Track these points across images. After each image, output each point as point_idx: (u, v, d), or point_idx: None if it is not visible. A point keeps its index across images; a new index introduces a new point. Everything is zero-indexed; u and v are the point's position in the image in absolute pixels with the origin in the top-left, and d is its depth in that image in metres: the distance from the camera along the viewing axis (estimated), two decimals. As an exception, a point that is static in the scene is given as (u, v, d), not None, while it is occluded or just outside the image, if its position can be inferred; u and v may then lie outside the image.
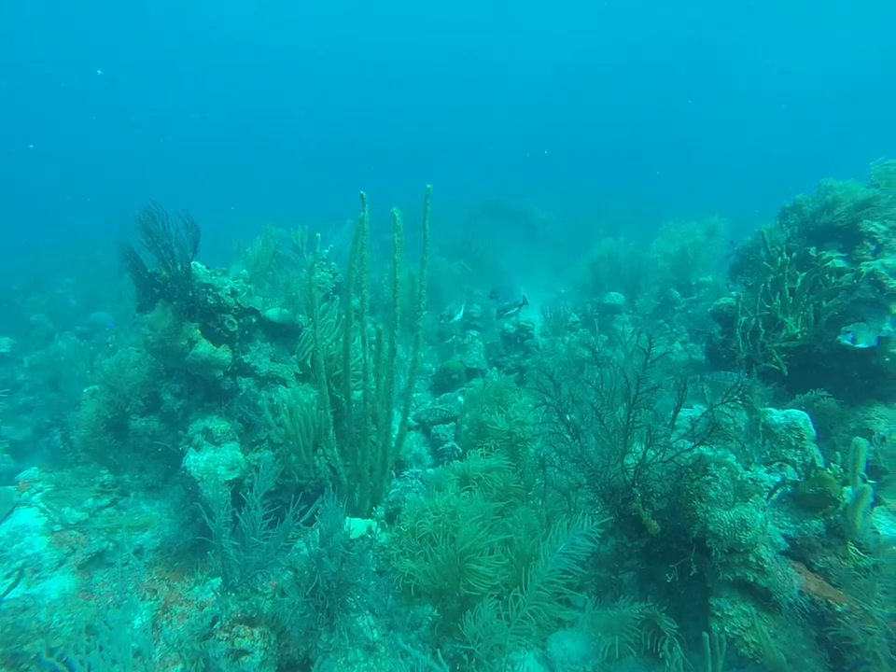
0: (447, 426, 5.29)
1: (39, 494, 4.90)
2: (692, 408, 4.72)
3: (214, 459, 4.22)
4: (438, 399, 5.94)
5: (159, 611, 3.96)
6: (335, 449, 3.83)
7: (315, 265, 7.00)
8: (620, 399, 2.92)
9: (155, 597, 4.10)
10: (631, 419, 2.78)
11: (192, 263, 4.62)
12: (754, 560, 2.57)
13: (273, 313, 5.31)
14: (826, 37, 41.11)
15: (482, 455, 3.85)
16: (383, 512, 4.27)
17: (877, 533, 2.57)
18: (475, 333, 7.20)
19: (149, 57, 45.86)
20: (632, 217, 16.56)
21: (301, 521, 3.49)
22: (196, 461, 4.16)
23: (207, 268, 4.64)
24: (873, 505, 2.77)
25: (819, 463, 3.07)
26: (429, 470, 4.93)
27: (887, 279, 3.36)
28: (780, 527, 2.76)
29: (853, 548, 2.54)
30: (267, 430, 4.51)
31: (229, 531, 3.46)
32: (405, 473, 4.51)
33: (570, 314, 8.04)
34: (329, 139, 52.03)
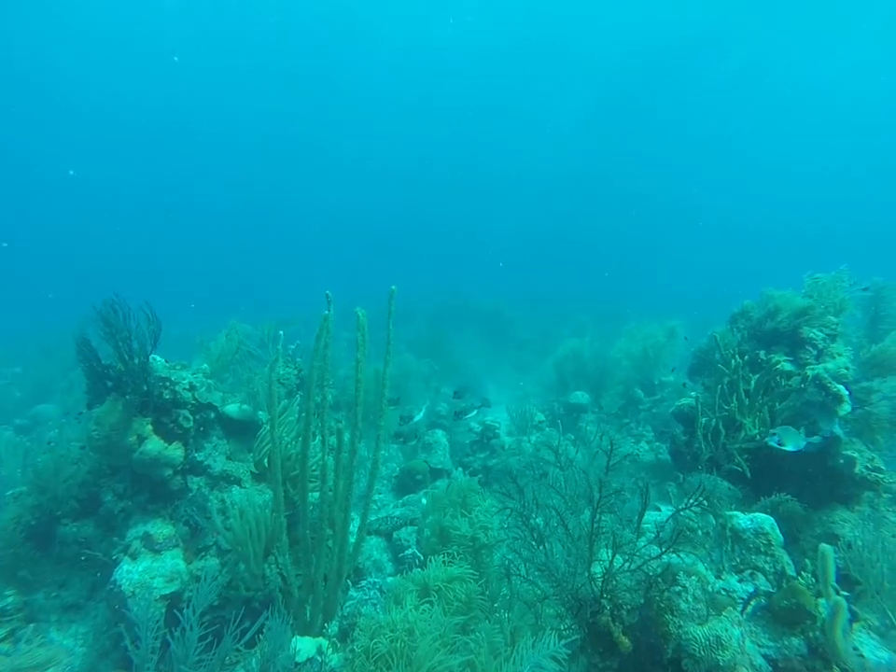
0: (409, 530, 5.00)
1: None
2: (660, 510, 4.63)
3: (151, 570, 3.82)
4: (400, 500, 5.67)
5: None
6: (287, 556, 3.53)
7: (280, 361, 6.95)
8: (584, 503, 2.83)
9: None
10: (595, 525, 2.69)
11: (151, 357, 4.52)
12: (734, 684, 2.38)
13: (232, 408, 5.14)
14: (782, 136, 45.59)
15: (444, 562, 3.61)
16: (336, 628, 3.89)
17: (862, 657, 2.43)
18: (440, 433, 7.07)
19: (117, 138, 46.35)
20: (597, 317, 17.33)
21: (244, 641, 3.13)
22: (129, 572, 3.76)
23: (166, 361, 4.53)
24: (851, 621, 2.65)
25: (790, 571, 2.99)
26: (389, 579, 4.58)
27: (830, 383, 3.52)
28: (759, 645, 2.60)
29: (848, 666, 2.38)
30: (215, 535, 4.17)
31: (155, 660, 3.06)
32: (363, 583, 4.17)
33: (536, 413, 8.04)
34: (303, 234, 53.69)
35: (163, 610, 3.73)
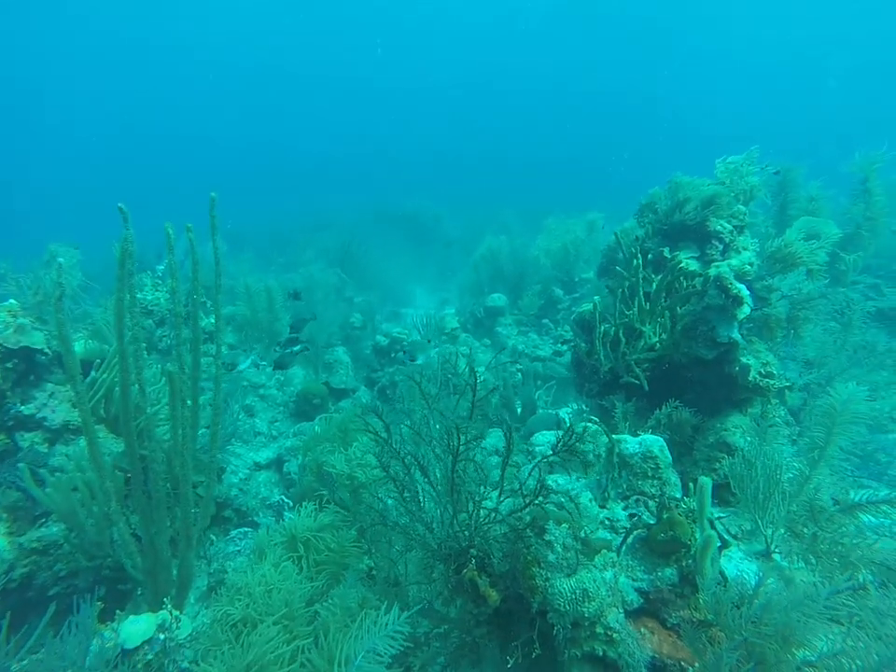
0: (299, 462, 4.60)
1: None
2: (559, 429, 4.38)
3: (-42, 554, 3.22)
4: (294, 428, 5.22)
5: None
6: (122, 524, 3.01)
7: (148, 284, 5.98)
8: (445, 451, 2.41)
9: None
10: (456, 475, 2.29)
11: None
12: (602, 631, 2.17)
13: (76, 347, 4.31)
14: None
15: (314, 508, 3.23)
16: (206, 583, 3.54)
17: (723, 577, 2.26)
18: (341, 350, 6.52)
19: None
20: (523, 214, 16.60)
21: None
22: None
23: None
24: (722, 547, 2.50)
25: (677, 492, 2.78)
26: (266, 519, 4.23)
27: (731, 284, 3.17)
28: (634, 580, 2.40)
29: (704, 598, 2.23)
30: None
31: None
32: (234, 533, 3.77)
33: (449, 319, 7.60)
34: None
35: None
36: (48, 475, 3.06)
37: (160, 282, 6.01)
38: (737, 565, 2.50)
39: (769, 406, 3.29)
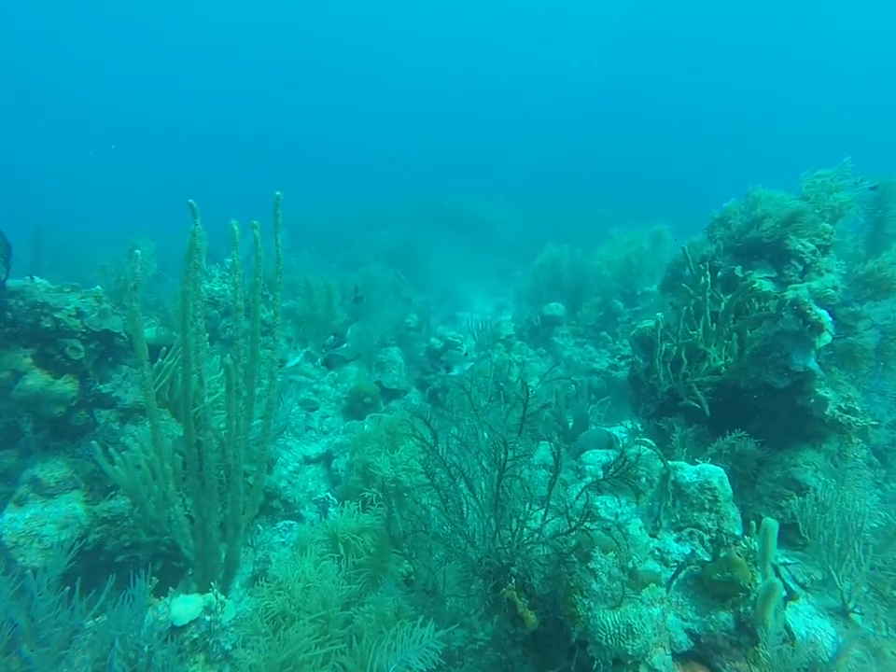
0: (346, 460, 4.68)
1: None
2: (610, 449, 4.22)
3: (40, 517, 3.48)
4: (344, 425, 5.31)
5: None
6: (177, 505, 3.16)
7: (217, 276, 6.28)
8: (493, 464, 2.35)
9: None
10: (501, 490, 2.23)
11: (31, 279, 3.90)
12: None
13: (147, 333, 4.60)
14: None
15: (357, 509, 3.26)
16: (251, 570, 3.66)
17: (789, 633, 2.07)
18: (395, 350, 6.58)
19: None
20: (587, 222, 16.17)
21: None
22: (13, 521, 3.41)
23: (50, 283, 3.91)
24: (787, 598, 2.29)
25: (736, 529, 2.59)
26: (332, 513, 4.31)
27: (810, 309, 2.91)
28: (683, 619, 2.25)
29: (766, 653, 2.05)
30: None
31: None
32: (280, 524, 3.88)
33: (505, 325, 7.52)
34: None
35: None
36: (115, 453, 3.25)
37: (227, 274, 6.30)
38: (806, 620, 2.28)
39: (850, 445, 3.01)
